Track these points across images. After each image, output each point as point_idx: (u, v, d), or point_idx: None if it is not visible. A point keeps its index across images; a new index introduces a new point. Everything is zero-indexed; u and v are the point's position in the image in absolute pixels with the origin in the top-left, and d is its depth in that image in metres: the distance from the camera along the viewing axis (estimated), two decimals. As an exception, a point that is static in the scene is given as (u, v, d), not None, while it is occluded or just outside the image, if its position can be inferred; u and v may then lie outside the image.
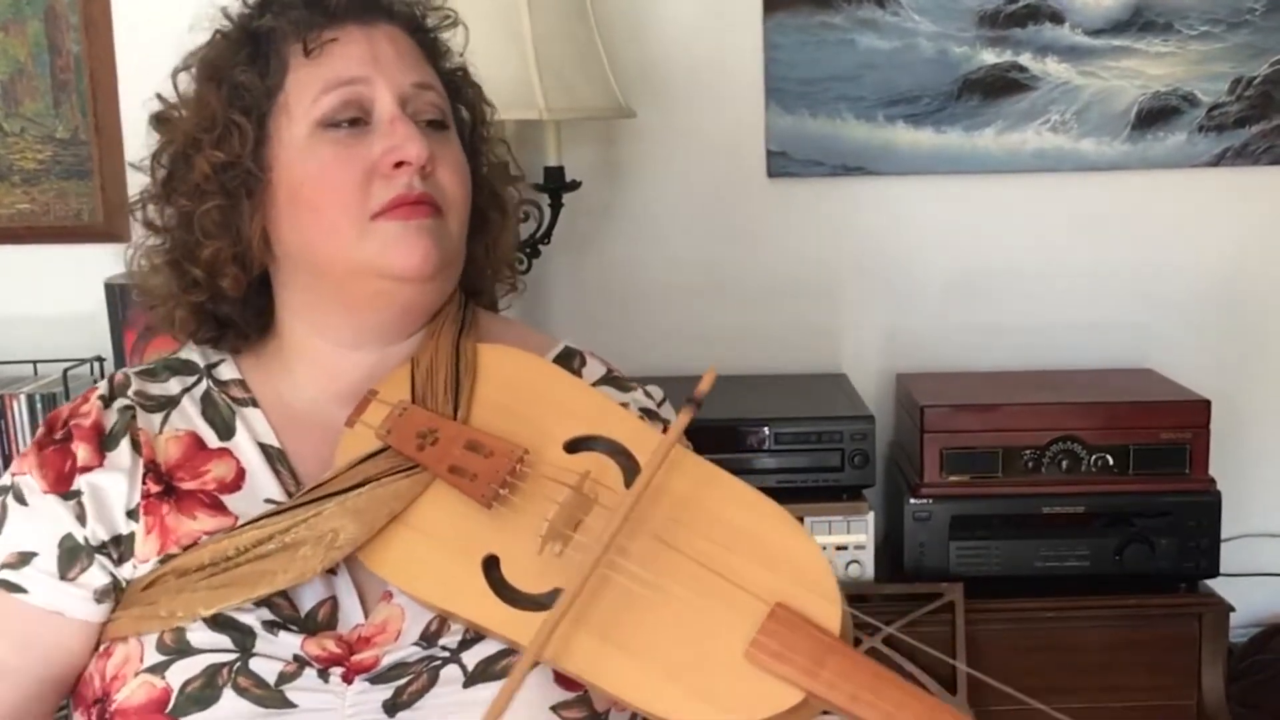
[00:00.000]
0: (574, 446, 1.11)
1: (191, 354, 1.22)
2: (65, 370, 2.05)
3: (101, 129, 2.21)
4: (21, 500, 1.12)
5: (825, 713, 1.00)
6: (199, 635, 1.04)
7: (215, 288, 1.16)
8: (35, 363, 2.13)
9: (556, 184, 2.03)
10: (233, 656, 1.04)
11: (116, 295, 1.97)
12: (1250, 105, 2.20)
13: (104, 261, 2.04)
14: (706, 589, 1.02)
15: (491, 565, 1.05)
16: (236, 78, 1.13)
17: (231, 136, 1.12)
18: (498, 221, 1.27)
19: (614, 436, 1.11)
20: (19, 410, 2.01)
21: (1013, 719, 1.03)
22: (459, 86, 1.24)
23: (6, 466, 2.00)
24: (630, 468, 1.08)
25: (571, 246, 2.21)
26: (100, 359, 2.11)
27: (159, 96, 1.19)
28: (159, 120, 1.18)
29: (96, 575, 1.09)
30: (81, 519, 1.10)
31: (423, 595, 1.06)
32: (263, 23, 1.14)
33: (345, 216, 1.10)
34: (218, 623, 1.05)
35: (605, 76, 2.00)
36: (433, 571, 1.06)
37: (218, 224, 1.13)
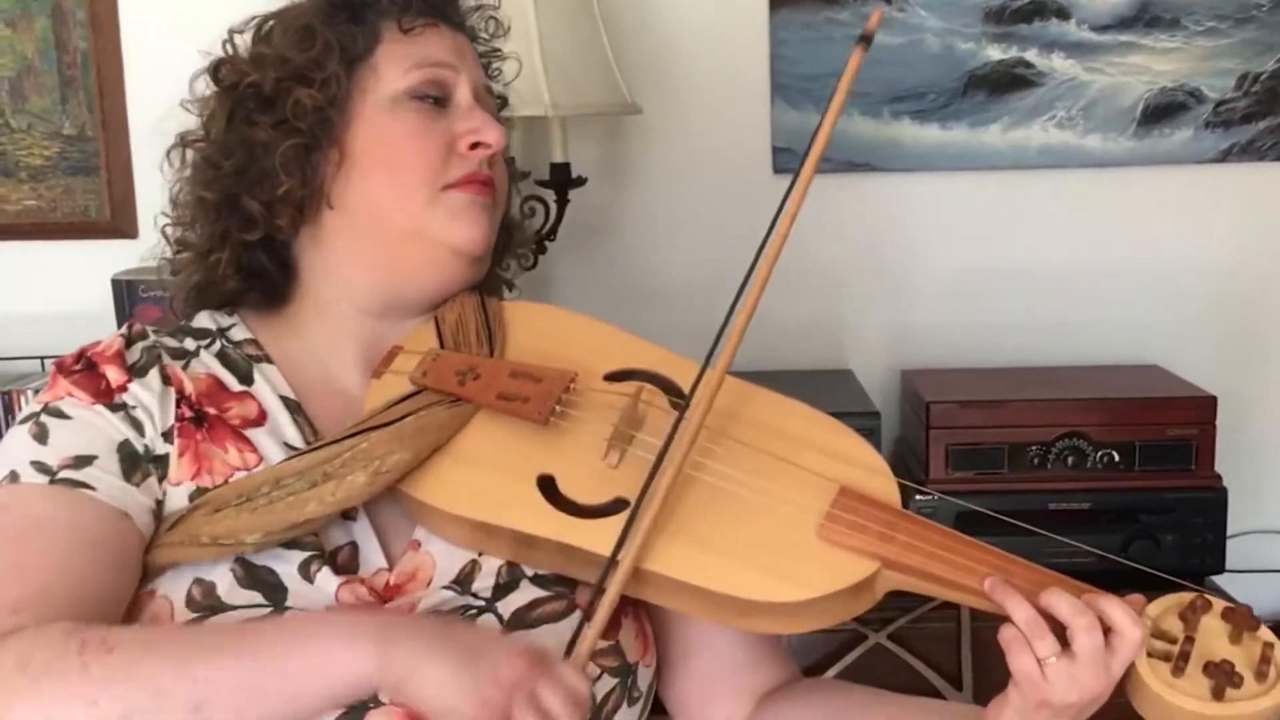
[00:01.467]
0: (614, 378, 1.15)
1: (204, 321, 1.24)
2: (72, 366, 2.06)
3: (108, 125, 2.21)
4: (63, 415, 1.10)
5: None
6: (229, 589, 1.05)
7: (272, 227, 1.20)
8: (42, 359, 2.13)
9: (562, 180, 2.04)
10: (267, 611, 1.05)
11: (123, 291, 1.97)
12: (1257, 101, 2.20)
13: (111, 257, 2.06)
14: (771, 480, 1.07)
15: (548, 484, 1.08)
16: (338, 35, 1.20)
17: (331, 83, 1.18)
18: (504, 241, 1.33)
19: (653, 368, 1.16)
20: (26, 405, 2.02)
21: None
22: (498, 113, 1.33)
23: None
24: (673, 393, 1.13)
25: (577, 243, 2.21)
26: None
27: (225, 42, 1.23)
28: (223, 63, 1.22)
29: (154, 487, 1.09)
30: (139, 429, 1.10)
31: (481, 517, 1.07)
32: None
33: (421, 180, 1.18)
34: (249, 575, 1.06)
35: (611, 73, 2.01)
36: (488, 494, 1.08)
37: (292, 161, 1.18)
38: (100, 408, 1.10)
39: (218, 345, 1.21)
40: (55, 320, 2.19)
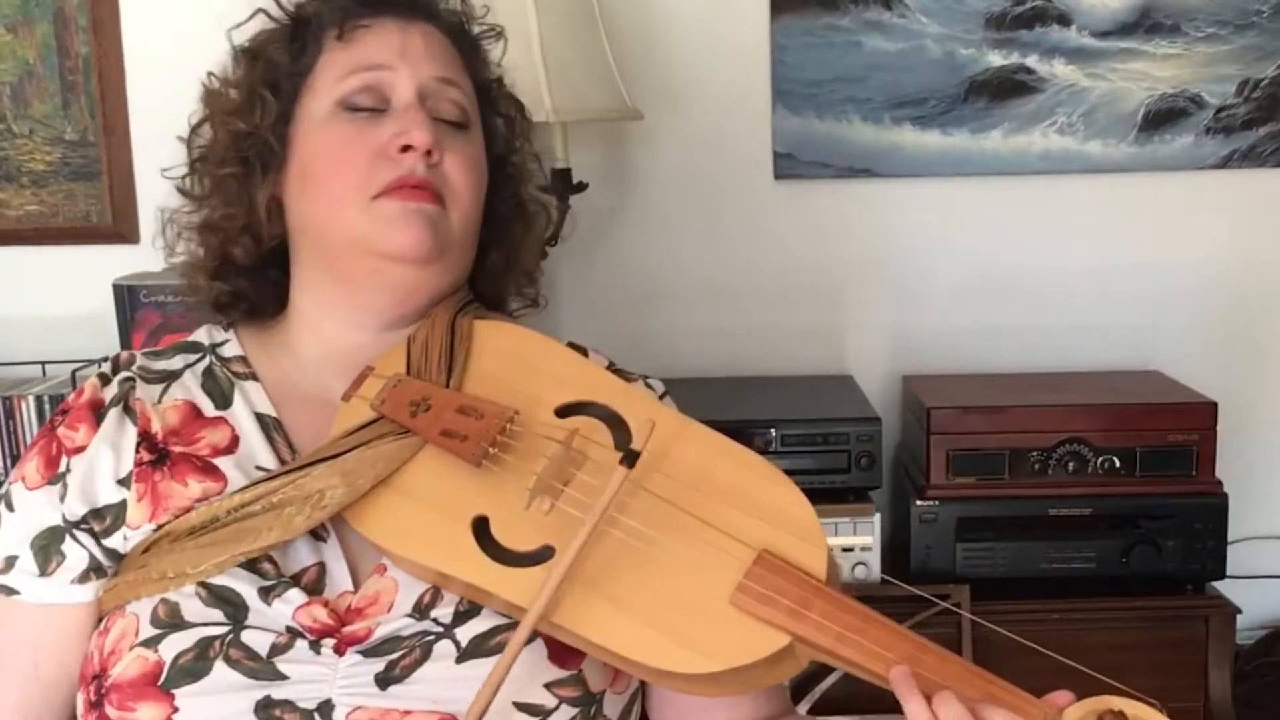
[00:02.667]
0: (565, 412, 1.13)
1: (200, 335, 1.26)
2: (74, 371, 2.06)
3: (110, 130, 2.21)
4: (10, 507, 1.15)
5: (822, 666, 1.01)
6: (193, 609, 1.06)
7: (227, 254, 1.20)
8: (43, 364, 2.13)
9: (564, 186, 2.04)
10: (225, 629, 1.05)
11: (125, 296, 1.97)
12: (1258, 107, 2.20)
13: (112, 262, 2.06)
14: (692, 539, 1.03)
15: (481, 526, 1.06)
16: (271, 55, 1.19)
17: (254, 109, 1.17)
18: (520, 232, 1.31)
19: (605, 402, 1.13)
20: (27, 411, 2.02)
21: None
22: (494, 96, 1.29)
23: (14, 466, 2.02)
24: (621, 431, 1.10)
25: (579, 248, 2.21)
26: (107, 359, 2.11)
27: (211, 74, 1.24)
28: (206, 95, 1.24)
29: (74, 561, 1.12)
30: (63, 498, 1.13)
31: (411, 555, 1.06)
32: (308, 8, 1.21)
33: (348, 192, 1.15)
34: (212, 595, 1.06)
35: (612, 78, 2.01)
36: (421, 532, 1.07)
37: (233, 192, 1.18)
38: (39, 491, 1.14)
39: (206, 362, 1.22)
40: (57, 325, 2.20)
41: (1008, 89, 2.21)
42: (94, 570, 1.12)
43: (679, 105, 2.22)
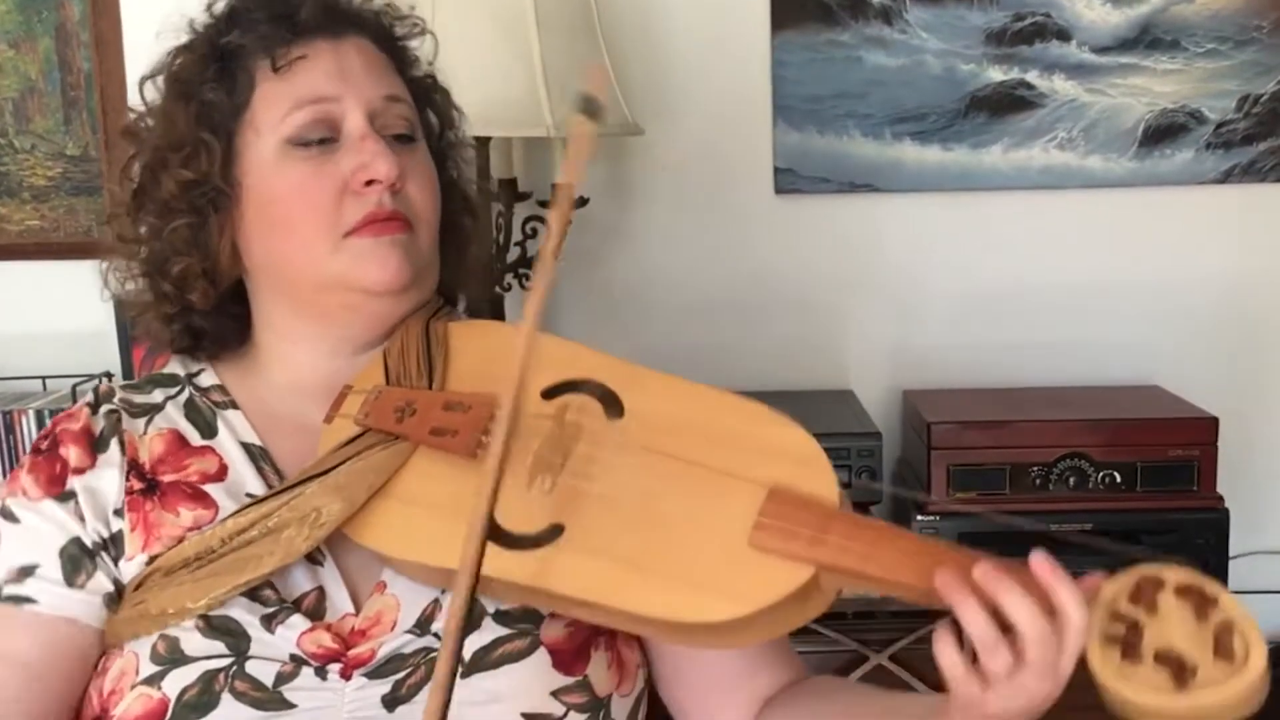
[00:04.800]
0: (551, 393, 1.11)
1: (174, 367, 1.23)
2: (74, 386, 2.06)
3: (111, 145, 2.22)
4: (13, 519, 1.11)
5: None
6: (193, 642, 1.04)
7: (185, 300, 1.17)
8: (44, 378, 2.14)
9: (564, 201, 2.04)
10: (228, 661, 1.03)
11: (125, 311, 1.98)
12: (1258, 122, 2.21)
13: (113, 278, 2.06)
14: (699, 488, 1.02)
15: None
16: (205, 95, 1.14)
17: (200, 155, 1.13)
18: (469, 227, 1.28)
19: (589, 377, 1.11)
20: (28, 425, 2.02)
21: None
22: (427, 94, 1.25)
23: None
24: (611, 403, 1.09)
25: (580, 263, 2.21)
26: (109, 375, 2.12)
27: (130, 109, 1.20)
28: (127, 133, 1.20)
29: (103, 580, 1.09)
30: (81, 519, 1.10)
31: (417, 558, 1.05)
32: (230, 39, 1.15)
33: (317, 234, 1.12)
34: (212, 627, 1.05)
35: (613, 93, 2.01)
36: (424, 534, 1.06)
37: (186, 240, 1.15)
38: (47, 502, 1.10)
39: (186, 394, 1.20)
40: (57, 340, 2.20)
41: (1008, 104, 2.21)
42: (118, 594, 1.09)
43: (679, 120, 2.23)
